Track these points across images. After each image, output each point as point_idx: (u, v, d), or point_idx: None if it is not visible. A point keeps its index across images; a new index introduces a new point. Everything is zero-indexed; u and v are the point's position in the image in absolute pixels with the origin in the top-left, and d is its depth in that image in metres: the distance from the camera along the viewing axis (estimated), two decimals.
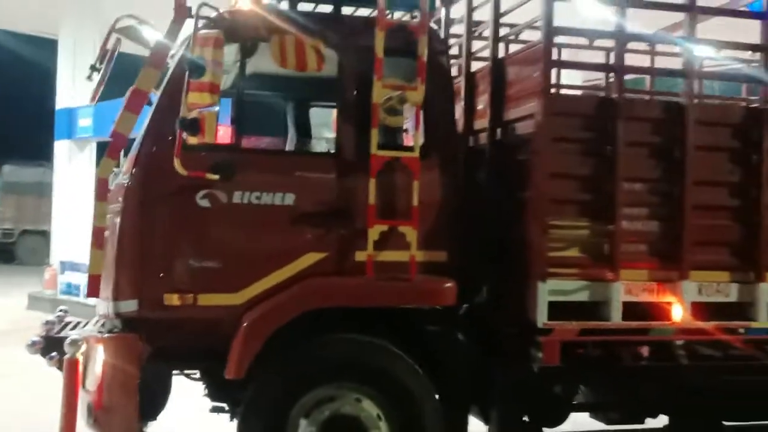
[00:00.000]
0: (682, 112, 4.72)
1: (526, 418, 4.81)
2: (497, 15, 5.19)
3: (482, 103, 5.25)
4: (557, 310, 4.53)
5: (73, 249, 14.57)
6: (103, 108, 14.08)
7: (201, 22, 4.15)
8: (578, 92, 7.63)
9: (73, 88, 15.22)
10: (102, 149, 16.87)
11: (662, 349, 4.92)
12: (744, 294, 4.80)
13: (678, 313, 4.66)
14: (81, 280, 13.23)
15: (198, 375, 4.85)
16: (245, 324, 4.22)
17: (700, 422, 5.04)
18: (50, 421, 4.50)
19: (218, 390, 4.75)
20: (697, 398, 4.87)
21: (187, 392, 5.03)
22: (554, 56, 6.09)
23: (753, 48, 5.03)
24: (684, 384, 4.88)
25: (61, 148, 16.02)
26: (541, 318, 4.47)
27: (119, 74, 5.19)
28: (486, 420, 4.81)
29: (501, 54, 5.31)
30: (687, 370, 4.87)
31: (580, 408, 5.01)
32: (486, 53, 5.28)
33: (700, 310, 4.73)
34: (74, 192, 15.32)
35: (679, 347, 4.89)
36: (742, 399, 4.94)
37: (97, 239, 4.25)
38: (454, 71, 5.58)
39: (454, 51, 5.80)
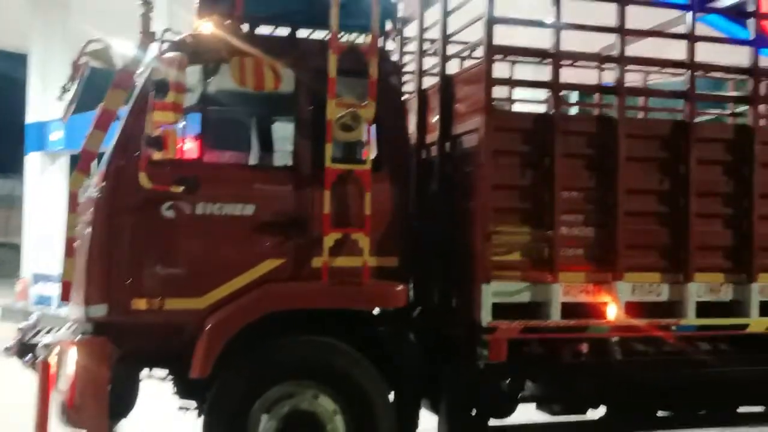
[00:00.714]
0: (614, 126, 5.11)
1: (474, 412, 5.14)
2: (445, 35, 5.54)
3: (433, 118, 5.61)
4: (502, 310, 4.87)
5: (45, 261, 14.75)
6: (74, 121, 14.18)
7: (165, 46, 4.47)
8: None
9: (44, 102, 15.41)
10: (74, 162, 17.01)
11: (600, 346, 5.28)
12: (674, 293, 5.17)
13: (613, 312, 5.04)
14: (53, 291, 13.39)
15: (165, 376, 5.13)
16: (208, 326, 4.52)
17: (635, 412, 5.40)
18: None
19: (185, 389, 5.02)
20: (632, 391, 5.25)
21: (157, 392, 5.30)
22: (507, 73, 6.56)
23: (678, 65, 5.44)
24: (620, 377, 5.25)
25: (32, 161, 16.19)
26: (486, 318, 4.81)
27: (88, 86, 5.44)
28: (437, 413, 5.13)
29: (455, 70, 5.66)
30: (622, 364, 5.24)
31: (525, 401, 5.34)
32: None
33: (634, 308, 5.10)
34: (45, 204, 15.48)
35: (615, 344, 5.26)
36: (673, 391, 5.32)
37: (69, 248, 4.53)
38: (410, 87, 5.95)
39: (411, 67, 6.15)
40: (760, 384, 5.44)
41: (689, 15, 5.37)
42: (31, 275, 14.80)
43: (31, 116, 16.06)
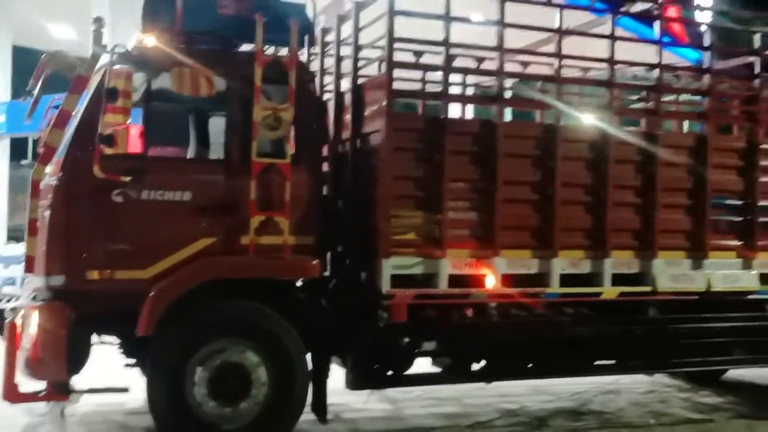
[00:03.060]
0: (494, 128, 6.16)
1: (376, 366, 6.15)
2: (357, 47, 6.47)
3: (347, 117, 6.56)
4: (401, 280, 5.88)
5: None
6: (15, 106, 14.72)
7: (115, 57, 5.30)
8: None
9: None
10: (15, 145, 17.31)
11: (481, 310, 6.35)
12: (542, 267, 6.27)
13: (491, 282, 6.10)
14: None
15: (113, 339, 5.97)
16: (152, 293, 5.39)
17: (510, 364, 6.51)
18: None
19: (130, 349, 5.92)
20: (507, 346, 6.34)
21: (105, 354, 6.14)
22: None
23: (548, 79, 6.51)
24: (497, 336, 6.34)
25: None
26: (385, 286, 5.82)
27: (28, 70, 6.13)
28: (346, 367, 6.13)
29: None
30: (499, 325, 6.33)
31: (421, 356, 6.37)
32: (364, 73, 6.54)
33: (509, 279, 6.18)
34: None
35: (493, 308, 6.33)
36: (541, 346, 6.44)
37: (32, 228, 5.36)
38: (331, 88, 6.86)
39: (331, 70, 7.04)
40: (612, 341, 6.62)
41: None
42: None
43: None
